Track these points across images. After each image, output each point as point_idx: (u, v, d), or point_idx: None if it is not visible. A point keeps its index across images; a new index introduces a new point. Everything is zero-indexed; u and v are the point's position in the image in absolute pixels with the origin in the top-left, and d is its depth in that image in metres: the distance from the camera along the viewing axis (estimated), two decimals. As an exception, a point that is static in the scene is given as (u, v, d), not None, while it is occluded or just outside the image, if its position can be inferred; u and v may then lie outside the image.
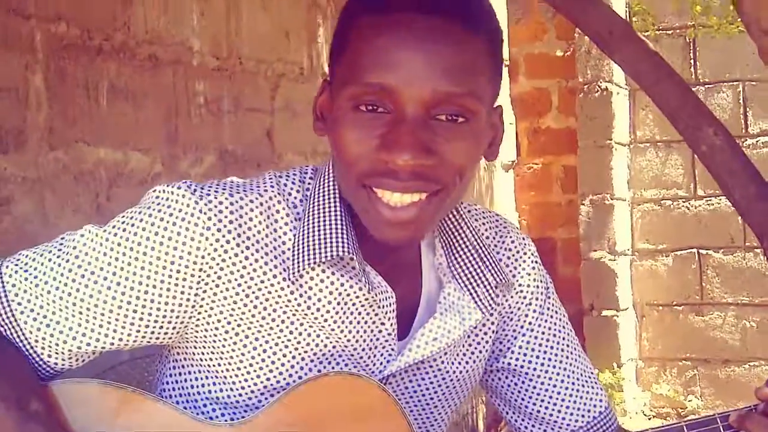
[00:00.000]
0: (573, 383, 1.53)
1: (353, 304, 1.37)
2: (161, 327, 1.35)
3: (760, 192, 2.06)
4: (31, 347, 1.36)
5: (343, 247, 1.33)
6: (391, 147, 1.25)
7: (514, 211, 5.54)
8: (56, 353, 1.36)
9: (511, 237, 1.53)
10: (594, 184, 5.42)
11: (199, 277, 1.32)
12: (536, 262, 1.54)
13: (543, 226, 5.66)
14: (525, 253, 1.53)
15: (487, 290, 1.45)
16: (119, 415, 1.34)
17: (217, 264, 1.32)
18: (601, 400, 1.55)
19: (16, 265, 1.37)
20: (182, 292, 1.32)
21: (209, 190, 1.34)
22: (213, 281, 1.32)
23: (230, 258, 1.32)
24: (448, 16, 1.27)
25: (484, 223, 1.52)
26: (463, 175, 1.32)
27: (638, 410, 5.35)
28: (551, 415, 1.52)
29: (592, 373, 1.57)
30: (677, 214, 5.42)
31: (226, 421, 1.38)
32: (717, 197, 5.24)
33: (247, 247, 1.33)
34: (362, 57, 1.27)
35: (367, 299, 1.36)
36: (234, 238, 1.32)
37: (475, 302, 1.45)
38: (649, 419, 5.29)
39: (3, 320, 1.35)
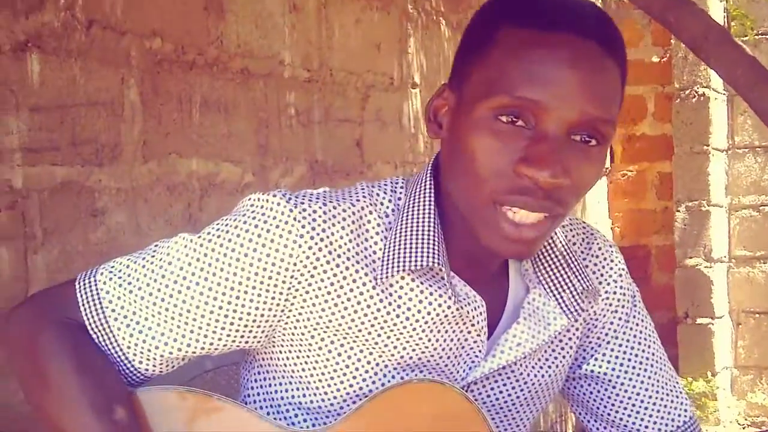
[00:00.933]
0: (657, 392, 1.51)
1: (443, 315, 1.38)
2: (251, 331, 1.37)
3: None
4: (123, 353, 1.40)
5: (433, 257, 1.34)
6: (535, 162, 1.26)
7: (607, 218, 5.48)
8: (147, 359, 1.40)
9: (598, 244, 1.52)
10: (690, 190, 5.33)
11: (290, 283, 1.34)
12: (623, 270, 1.53)
13: (637, 233, 5.58)
14: (612, 261, 1.52)
15: (573, 296, 1.45)
16: (200, 421, 1.37)
17: (308, 271, 1.34)
18: (686, 410, 1.53)
19: (110, 272, 1.42)
20: (273, 298, 1.35)
21: (303, 199, 1.36)
22: (303, 287, 1.35)
23: (321, 266, 1.34)
24: (601, 41, 1.29)
25: (571, 230, 1.51)
26: (582, 196, 1.34)
27: (732, 419, 5.24)
28: (633, 423, 1.51)
29: (677, 383, 1.55)
30: (776, 220, 5.31)
31: (308, 427, 1.40)
32: (817, 202, 5.12)
33: (338, 255, 1.35)
34: (513, 70, 1.28)
35: (452, 312, 1.37)
36: (326, 246, 1.34)
37: (561, 308, 1.44)
38: (744, 428, 5.17)
39: (96, 327, 1.40)
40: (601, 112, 1.28)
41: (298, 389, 1.42)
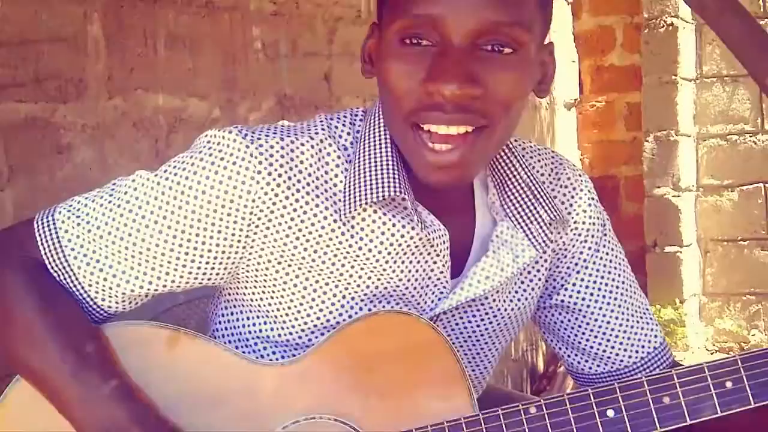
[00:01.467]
0: (627, 319, 1.52)
1: (406, 245, 1.38)
2: (213, 268, 1.37)
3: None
4: (85, 291, 1.39)
5: (394, 187, 1.34)
6: (437, 77, 1.26)
7: (576, 150, 5.49)
8: (109, 297, 1.39)
9: (566, 174, 1.52)
10: (659, 120, 5.35)
11: (250, 220, 1.34)
12: (593, 198, 1.53)
13: (606, 163, 5.60)
14: (581, 190, 1.52)
15: (541, 227, 1.45)
16: (173, 355, 1.37)
17: (268, 207, 1.33)
18: (655, 336, 1.55)
19: (69, 210, 1.40)
20: (233, 235, 1.34)
21: (260, 134, 1.35)
22: (264, 224, 1.34)
23: (281, 201, 1.33)
24: None
25: (538, 160, 1.51)
26: (509, 109, 1.31)
27: (701, 345, 5.32)
28: (605, 351, 1.52)
29: (647, 309, 1.57)
30: (743, 149, 5.33)
31: (277, 360, 1.41)
32: (785, 131, 5.15)
33: (298, 190, 1.34)
34: None
35: (420, 239, 1.37)
36: (285, 182, 1.33)
37: (529, 239, 1.45)
38: (712, 354, 5.26)
39: (56, 265, 1.39)
40: (504, 16, 1.26)
41: (265, 323, 1.42)
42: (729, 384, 1.30)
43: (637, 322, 1.53)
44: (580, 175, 1.53)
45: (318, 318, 1.39)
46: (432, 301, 1.42)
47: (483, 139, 1.31)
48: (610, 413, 1.31)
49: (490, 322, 1.48)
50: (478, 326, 1.47)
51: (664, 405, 1.31)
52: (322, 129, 1.39)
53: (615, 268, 1.53)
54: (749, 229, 5.34)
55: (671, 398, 1.31)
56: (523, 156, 1.48)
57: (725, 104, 5.42)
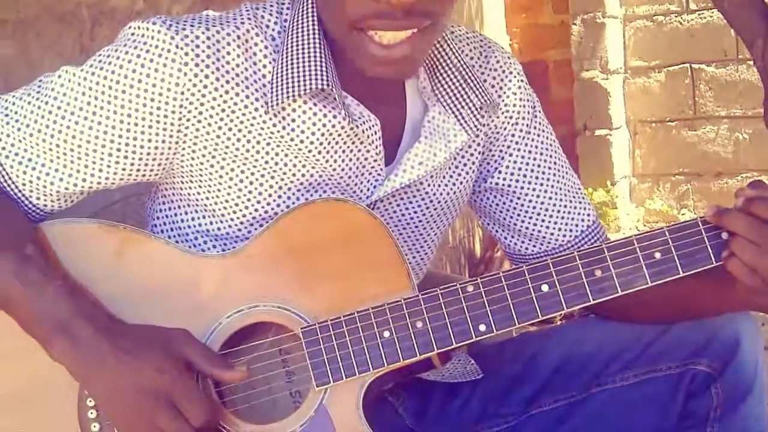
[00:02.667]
0: (561, 199, 1.55)
1: (337, 134, 1.38)
2: (146, 164, 1.36)
3: (749, -3, 2.04)
4: (19, 191, 1.37)
5: (322, 79, 1.33)
6: None
7: (504, 35, 5.47)
8: (44, 195, 1.38)
9: (496, 57, 1.52)
10: (585, 3, 5.32)
11: (180, 113, 1.32)
12: (522, 81, 1.54)
13: (535, 48, 5.59)
14: (510, 73, 1.52)
15: (472, 111, 1.46)
16: (113, 251, 1.37)
17: (197, 99, 1.32)
18: (588, 215, 1.58)
19: None
20: (164, 129, 1.33)
21: (185, 25, 1.33)
22: (195, 116, 1.33)
23: (210, 93, 1.32)
24: None
25: (468, 44, 1.51)
26: (451, 6, 1.32)
27: (632, 226, 5.43)
28: (539, 231, 1.55)
29: (579, 189, 1.59)
30: (670, 29, 5.35)
31: (217, 252, 1.41)
32: (709, 10, 5.17)
33: (227, 81, 1.33)
34: None
35: (352, 129, 1.37)
36: (213, 73, 1.32)
37: (460, 124, 1.45)
38: (642, 234, 5.35)
39: None
40: None
41: (204, 217, 1.42)
42: (658, 255, 1.34)
43: (570, 201, 1.56)
44: (509, 59, 1.54)
45: (256, 210, 1.39)
46: (368, 189, 1.43)
47: (428, 35, 1.31)
48: (545, 288, 1.34)
49: (427, 208, 1.50)
50: (415, 212, 1.49)
51: (596, 278, 1.34)
52: (248, 19, 1.37)
53: (546, 148, 1.55)
54: (676, 109, 5.39)
55: (603, 271, 1.34)
56: (454, 41, 1.47)
57: (651, -15, 5.42)
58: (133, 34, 1.33)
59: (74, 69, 1.35)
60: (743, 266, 1.29)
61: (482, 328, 1.33)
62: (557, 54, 5.56)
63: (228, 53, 1.33)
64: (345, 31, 1.29)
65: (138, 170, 1.37)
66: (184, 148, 1.35)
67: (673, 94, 5.39)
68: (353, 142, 1.39)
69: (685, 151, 5.40)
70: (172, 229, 1.45)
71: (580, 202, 1.57)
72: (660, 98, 5.42)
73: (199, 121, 1.33)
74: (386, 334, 1.33)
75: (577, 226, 1.56)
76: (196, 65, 1.31)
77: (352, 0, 1.26)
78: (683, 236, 1.33)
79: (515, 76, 1.53)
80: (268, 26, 1.38)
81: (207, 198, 1.40)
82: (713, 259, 1.32)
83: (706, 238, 1.33)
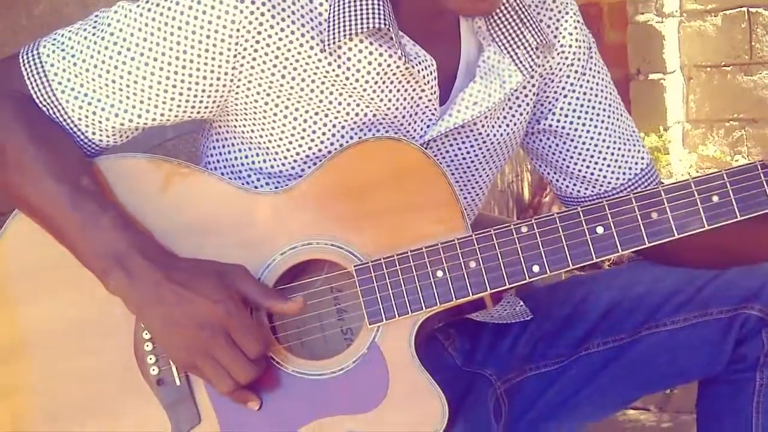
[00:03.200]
0: (615, 142, 1.54)
1: (393, 74, 1.37)
2: (201, 101, 1.37)
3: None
4: (75, 125, 1.39)
5: (378, 18, 1.33)
6: None
7: (559, -23, 5.40)
8: (100, 130, 1.39)
9: (552, -4, 1.50)
10: (643, -55, 5.24)
11: (236, 50, 1.33)
12: (578, 21, 1.52)
13: (589, -9, 5.52)
14: (567, 13, 1.51)
15: (528, 52, 1.45)
16: (167, 186, 1.38)
17: (253, 37, 1.32)
18: (642, 158, 1.56)
19: (53, 44, 1.39)
20: (220, 66, 1.34)
21: None
22: (250, 54, 1.33)
23: (265, 30, 1.32)
24: None
25: (524, -16, 1.49)
26: None
27: (684, 172, 5.36)
28: (593, 173, 1.54)
29: (634, 131, 1.58)
30: (728, -28, 5.25)
31: (270, 189, 1.42)
32: (770, -47, 5.06)
33: (283, 19, 1.33)
34: None
35: (407, 68, 1.37)
36: (269, 10, 1.32)
37: (516, 64, 1.44)
38: (695, 180, 5.29)
39: (45, 100, 1.38)
40: None
41: (257, 155, 1.42)
42: (715, 198, 1.32)
43: (624, 144, 1.54)
44: (565, -2, 1.52)
45: (310, 148, 1.39)
46: (421, 129, 1.43)
47: None
48: (600, 230, 1.33)
49: (480, 148, 1.49)
50: (468, 152, 1.48)
51: (652, 220, 1.33)
52: None
53: (602, 90, 1.54)
54: (732, 54, 5.30)
55: (659, 213, 1.33)
56: (510, -21, 1.45)
57: (711, -74, 5.30)
58: None
59: (130, 5, 1.36)
60: None
61: (536, 269, 1.33)
62: (611, -4, 5.48)
63: None
64: None
65: (193, 107, 1.37)
66: (239, 86, 1.36)
67: (729, 38, 5.29)
68: (408, 82, 1.39)
69: (740, 97, 5.31)
70: (225, 167, 1.46)
71: (634, 145, 1.56)
72: (716, 42, 5.33)
73: (254, 59, 1.34)
74: (439, 273, 1.33)
75: (630, 169, 1.55)
76: (252, 2, 1.31)
77: None
78: (742, 179, 1.32)
79: (572, 16, 1.51)
80: None
81: (261, 136, 1.40)
82: None
83: (765, 182, 1.31)
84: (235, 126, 1.42)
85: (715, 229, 1.33)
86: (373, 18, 1.33)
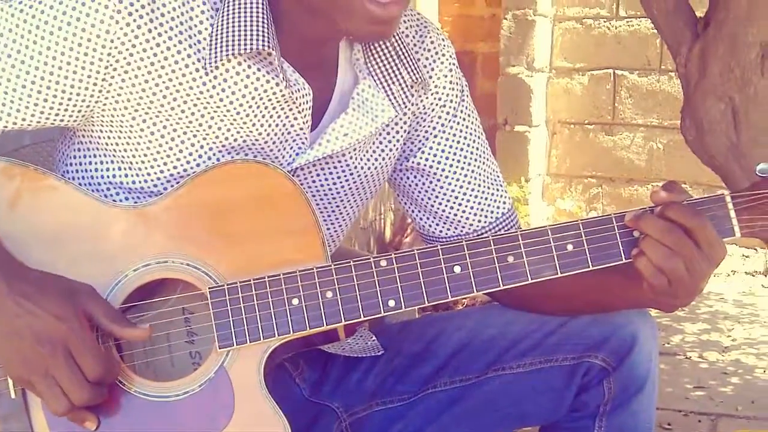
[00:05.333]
0: (479, 185, 1.56)
1: (268, 99, 1.36)
2: (66, 109, 1.33)
3: (677, 5, 2.07)
4: None
5: (262, 40, 1.32)
6: None
7: (437, 22, 5.49)
8: None
9: (431, 37, 1.52)
10: (518, -2, 5.38)
11: (108, 61, 1.30)
12: (454, 65, 1.54)
13: (465, 38, 5.63)
14: (443, 55, 1.53)
15: (402, 88, 1.46)
16: (21, 193, 1.33)
17: (127, 49, 1.29)
18: (504, 203, 1.59)
19: None
20: (89, 76, 1.30)
21: None
22: (122, 67, 1.30)
23: (141, 44, 1.30)
24: None
25: (405, 21, 1.51)
26: None
27: (542, 224, 5.51)
28: (456, 214, 1.56)
29: (498, 176, 1.60)
30: (597, 33, 5.43)
31: (129, 204, 1.38)
32: (638, 18, 5.26)
33: (160, 34, 1.30)
34: None
35: (283, 95, 1.36)
36: (146, 23, 1.29)
37: (389, 100, 1.45)
38: (552, 231, 5.42)
39: None
40: None
41: (120, 169, 1.39)
42: (570, 247, 1.35)
43: (488, 187, 1.57)
44: (443, 40, 1.54)
45: (174, 167, 1.37)
46: (290, 156, 1.42)
47: None
48: (457, 269, 1.34)
49: (347, 180, 1.49)
50: (334, 183, 1.48)
51: (508, 264, 1.35)
52: None
53: (471, 134, 1.56)
54: (596, 113, 5.48)
55: (515, 257, 1.35)
56: (391, 16, 1.47)
57: (584, -13, 5.48)
58: None
59: (2, 3, 1.32)
60: (651, 265, 1.31)
61: (391, 303, 1.33)
62: (486, 46, 5.61)
63: (164, 5, 1.31)
64: None
65: (57, 114, 1.34)
66: (107, 97, 1.33)
67: (594, 97, 5.48)
68: (282, 108, 1.38)
69: (600, 155, 5.50)
70: (84, 177, 1.42)
71: (497, 189, 1.59)
72: (581, 100, 5.51)
73: (126, 72, 1.31)
74: (295, 301, 1.32)
75: (492, 212, 1.57)
76: (130, 14, 1.28)
77: None
78: (596, 231, 1.35)
79: (447, 59, 1.53)
80: None
81: (125, 150, 1.37)
82: (623, 255, 1.35)
83: (618, 235, 1.35)
84: (99, 137, 1.39)
85: (568, 277, 1.36)
86: (257, 40, 1.32)
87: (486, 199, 1.57)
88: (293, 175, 1.43)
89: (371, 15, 1.28)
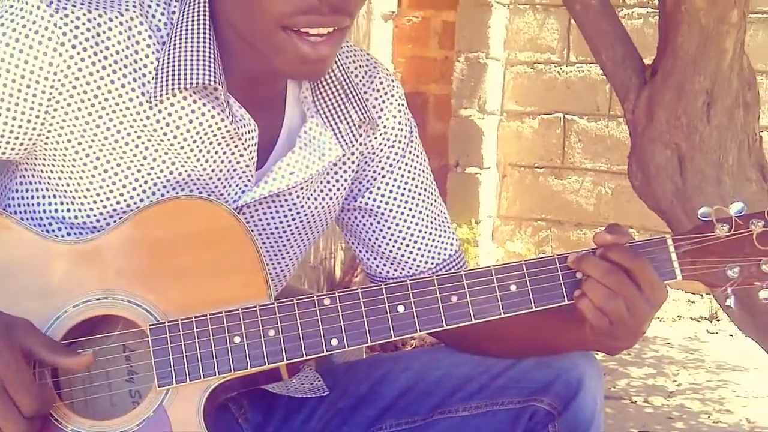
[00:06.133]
0: (427, 227, 1.56)
1: (213, 134, 1.36)
2: (8, 142, 1.32)
3: (626, 53, 2.10)
4: None
5: (208, 75, 1.31)
6: None
7: (390, 63, 5.52)
8: None
9: (380, 78, 1.53)
10: (471, 41, 5.43)
11: (50, 94, 1.28)
12: (403, 105, 1.55)
13: (417, 80, 5.67)
14: (393, 96, 1.53)
15: (350, 128, 1.46)
16: None
17: (70, 82, 1.28)
18: (452, 244, 1.59)
19: None
20: (32, 108, 1.29)
21: (66, 3, 1.29)
22: (65, 100, 1.29)
23: (84, 77, 1.29)
24: None
25: (354, 61, 1.51)
26: (362, 5, 1.33)
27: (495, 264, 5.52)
28: (403, 255, 1.55)
29: (446, 218, 1.60)
30: (548, 78, 5.50)
31: (71, 239, 1.37)
32: (588, 64, 5.33)
33: (104, 67, 1.29)
34: None
35: (228, 131, 1.36)
36: (90, 56, 1.28)
37: (337, 138, 1.45)
38: (500, 274, 5.45)
39: None
40: None
41: (62, 203, 1.37)
42: (513, 287, 1.35)
43: (436, 229, 1.57)
44: (392, 81, 1.55)
45: (118, 202, 1.35)
46: (236, 193, 1.42)
47: (344, 36, 1.32)
48: (401, 308, 1.34)
49: (293, 219, 1.48)
50: (281, 222, 1.47)
51: (452, 303, 1.35)
52: (134, 6, 1.34)
53: (419, 175, 1.56)
54: (546, 157, 5.53)
55: (459, 297, 1.35)
56: (340, 55, 1.47)
57: (535, 32, 5.55)
58: (11, 6, 1.29)
59: None
60: (593, 307, 1.31)
61: (334, 342, 1.32)
62: (438, 88, 5.65)
63: (109, 38, 1.30)
64: (270, 31, 1.28)
65: None
66: (50, 130, 1.31)
67: (544, 141, 5.53)
68: (227, 145, 1.37)
69: (549, 198, 5.54)
70: (26, 212, 1.40)
71: (445, 231, 1.58)
72: (531, 144, 5.56)
73: (69, 105, 1.30)
74: (237, 339, 1.30)
75: (440, 254, 1.57)
76: (73, 47, 1.27)
77: None
78: (540, 271, 1.35)
79: (397, 100, 1.54)
80: (154, 16, 1.35)
81: (68, 184, 1.35)
82: (566, 296, 1.35)
83: (561, 276, 1.35)
84: (42, 171, 1.37)
85: (512, 318, 1.36)
86: (202, 75, 1.31)
87: (433, 240, 1.56)
88: (239, 213, 1.42)
89: (302, 54, 1.28)
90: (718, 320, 4.94)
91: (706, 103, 2.01)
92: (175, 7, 1.36)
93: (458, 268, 1.59)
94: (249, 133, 1.37)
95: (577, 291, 1.33)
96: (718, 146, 2.02)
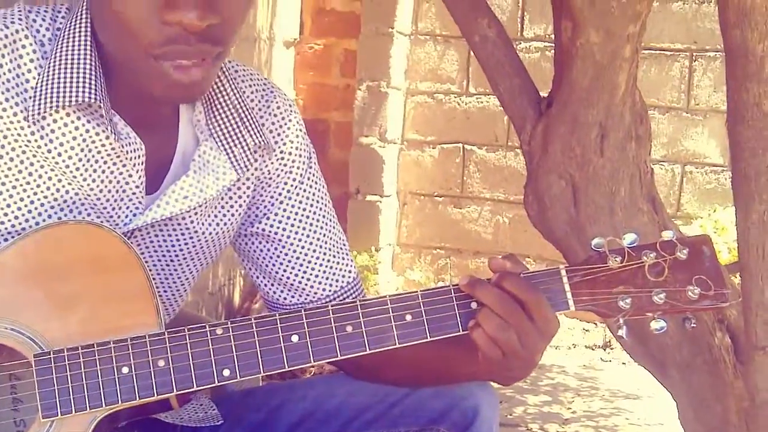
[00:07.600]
0: (325, 253, 1.55)
1: (98, 152, 1.33)
2: None
3: (522, 85, 2.12)
4: None
5: (90, 92, 1.28)
6: (176, 6, 1.21)
7: (291, 90, 5.51)
8: None
9: (277, 102, 1.51)
10: (372, 70, 5.45)
11: None
12: (301, 130, 1.54)
13: (319, 107, 5.66)
14: (290, 120, 1.52)
15: (245, 152, 1.44)
16: None
17: None
18: (350, 272, 1.58)
19: None
20: None
21: None
22: None
23: None
24: None
25: (250, 85, 1.50)
26: (238, 32, 1.31)
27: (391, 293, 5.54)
28: (300, 282, 1.54)
29: (344, 245, 1.60)
30: (448, 108, 5.55)
31: (-46, 263, 1.32)
32: (487, 96, 5.40)
33: None
34: None
35: (114, 148, 1.33)
36: None
37: (231, 163, 1.43)
38: (399, 301, 5.46)
39: None
40: None
41: (-56, 225, 1.32)
42: (408, 317, 1.35)
43: (334, 256, 1.56)
44: (290, 106, 1.54)
45: (2, 223, 1.31)
46: (126, 216, 1.39)
47: (218, 61, 1.30)
48: (295, 338, 1.32)
49: (186, 243, 1.46)
50: (173, 246, 1.45)
51: (346, 333, 1.34)
52: (19, 19, 1.31)
53: (317, 201, 1.55)
54: (445, 186, 5.58)
55: (354, 327, 1.34)
56: (236, 79, 1.46)
57: (435, 63, 5.60)
58: None
59: None
60: (486, 336, 1.32)
61: (226, 373, 1.30)
62: (339, 116, 5.66)
63: None
64: (139, 60, 1.25)
65: None
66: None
67: (444, 170, 5.58)
68: (114, 164, 1.34)
69: (448, 227, 5.58)
70: None
71: (343, 258, 1.58)
72: (431, 173, 5.60)
73: None
74: (125, 369, 1.27)
75: (338, 281, 1.56)
76: None
77: (144, 27, 1.23)
78: (435, 302, 1.35)
79: (294, 125, 1.53)
80: (39, 31, 1.32)
81: (-50, 205, 1.31)
82: (461, 327, 1.35)
83: (456, 306, 1.35)
84: None
85: (409, 348, 1.35)
86: (82, 92, 1.28)
87: (331, 267, 1.55)
88: (130, 237, 1.39)
89: (174, 81, 1.26)
90: (612, 348, 5.02)
91: (599, 135, 2.04)
92: (61, 22, 1.33)
93: (356, 296, 1.58)
94: (135, 151, 1.34)
95: (472, 321, 1.34)
96: (611, 178, 2.06)
